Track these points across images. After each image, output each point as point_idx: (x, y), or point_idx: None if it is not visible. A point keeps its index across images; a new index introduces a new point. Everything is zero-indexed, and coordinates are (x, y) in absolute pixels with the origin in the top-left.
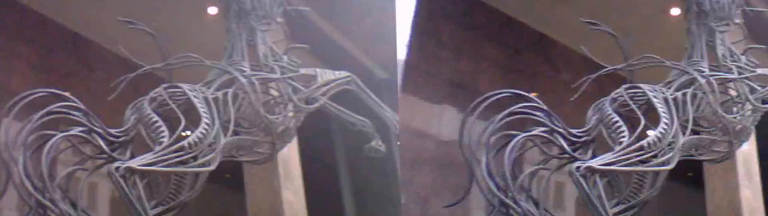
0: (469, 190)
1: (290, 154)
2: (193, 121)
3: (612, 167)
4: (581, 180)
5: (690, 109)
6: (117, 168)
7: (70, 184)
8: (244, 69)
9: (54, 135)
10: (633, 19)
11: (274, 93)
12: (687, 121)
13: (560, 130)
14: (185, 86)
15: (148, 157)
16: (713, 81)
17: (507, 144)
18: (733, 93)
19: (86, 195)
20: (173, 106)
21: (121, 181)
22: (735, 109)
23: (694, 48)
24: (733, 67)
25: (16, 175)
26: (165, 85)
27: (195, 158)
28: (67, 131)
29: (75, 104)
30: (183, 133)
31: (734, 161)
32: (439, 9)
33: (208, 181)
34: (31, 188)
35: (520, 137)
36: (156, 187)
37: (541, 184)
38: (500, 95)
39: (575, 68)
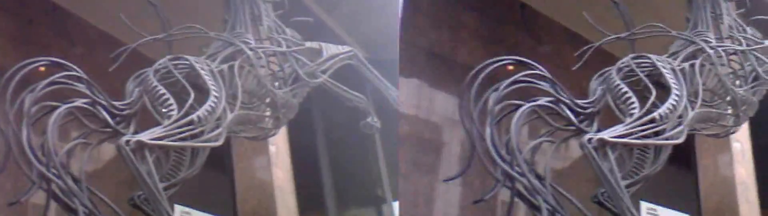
0: (470, 163)
1: (279, 131)
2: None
3: (625, 140)
4: (593, 152)
5: (699, 80)
6: (127, 142)
7: (71, 159)
8: (250, 41)
9: (56, 106)
10: None
11: (275, 67)
12: (696, 93)
13: (566, 100)
14: (191, 58)
15: (157, 131)
16: (722, 52)
17: (507, 114)
18: (735, 66)
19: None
20: (180, 77)
21: (132, 155)
22: (738, 82)
23: (697, 18)
24: (740, 38)
25: (17, 148)
26: (170, 57)
27: (203, 133)
28: (71, 102)
29: (78, 74)
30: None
31: (728, 137)
32: None
33: None
34: (35, 162)
35: (526, 107)
36: (156, 162)
37: (545, 157)
38: (503, 62)
39: (557, 40)
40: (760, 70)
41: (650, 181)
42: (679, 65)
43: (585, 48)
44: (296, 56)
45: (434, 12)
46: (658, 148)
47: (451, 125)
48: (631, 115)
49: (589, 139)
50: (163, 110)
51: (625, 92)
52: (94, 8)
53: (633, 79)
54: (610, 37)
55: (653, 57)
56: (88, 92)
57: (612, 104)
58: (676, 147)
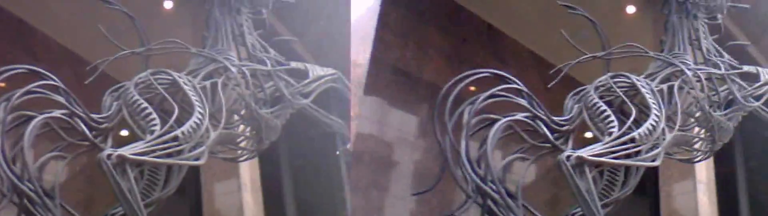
0: (441, 177)
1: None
2: (168, 111)
3: (603, 159)
4: (572, 171)
5: (678, 103)
6: (108, 156)
7: (42, 172)
8: (233, 59)
9: (32, 116)
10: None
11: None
12: (674, 115)
13: (543, 116)
14: (174, 73)
15: (139, 146)
16: (701, 75)
17: (482, 128)
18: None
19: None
20: (163, 92)
21: (113, 170)
22: (710, 108)
23: (675, 40)
24: (719, 62)
25: None
26: (151, 71)
27: (184, 151)
28: (49, 113)
29: (56, 84)
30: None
31: (692, 164)
32: None
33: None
34: (10, 174)
35: (503, 121)
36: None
37: (515, 173)
38: (479, 75)
39: (522, 62)
40: (738, 95)
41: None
42: (657, 86)
43: (562, 65)
44: (282, 76)
45: (402, 29)
46: (627, 171)
47: (405, 143)
48: (610, 134)
49: (568, 157)
50: (146, 125)
51: (604, 110)
52: (62, 25)
53: (609, 98)
54: (586, 56)
55: (632, 77)
56: (65, 103)
57: (589, 122)
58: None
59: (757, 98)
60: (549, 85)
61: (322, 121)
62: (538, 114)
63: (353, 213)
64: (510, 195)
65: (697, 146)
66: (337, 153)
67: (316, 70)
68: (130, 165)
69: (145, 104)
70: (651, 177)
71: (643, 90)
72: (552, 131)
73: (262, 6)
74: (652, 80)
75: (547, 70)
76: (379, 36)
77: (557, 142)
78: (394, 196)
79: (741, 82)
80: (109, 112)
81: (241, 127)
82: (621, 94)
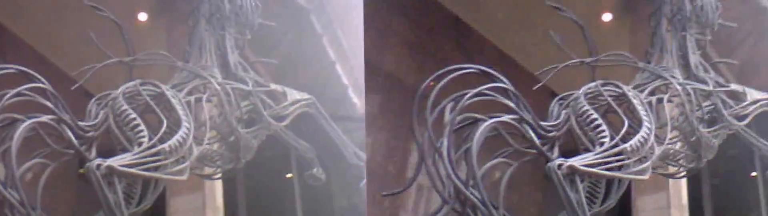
0: (415, 179)
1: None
2: (150, 122)
3: (594, 170)
4: (563, 180)
5: (667, 116)
6: (98, 166)
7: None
8: (217, 76)
9: (19, 119)
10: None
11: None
12: (662, 128)
13: (530, 120)
14: (163, 86)
15: (127, 158)
16: (692, 91)
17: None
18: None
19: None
20: (152, 104)
21: (101, 180)
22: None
23: (663, 53)
24: (707, 79)
25: None
26: (139, 81)
27: (169, 165)
28: (36, 117)
29: (46, 87)
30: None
31: (665, 180)
32: None
33: None
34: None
35: (488, 123)
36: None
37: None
38: (464, 71)
39: (488, 60)
40: (725, 112)
41: None
42: (646, 98)
43: (547, 68)
44: (262, 97)
45: (365, 16)
46: (609, 184)
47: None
48: (601, 144)
49: (559, 166)
50: (133, 136)
51: (595, 119)
52: (37, 29)
53: (594, 105)
54: (573, 61)
55: (623, 86)
56: (53, 108)
57: (577, 130)
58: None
59: (742, 118)
60: (534, 88)
61: (292, 145)
62: (526, 117)
63: None
64: (489, 203)
65: (681, 162)
66: (290, 175)
67: (293, 94)
68: (118, 177)
69: (134, 115)
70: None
71: (634, 101)
72: (538, 136)
73: (247, 27)
74: (640, 92)
75: (513, 68)
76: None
77: (543, 149)
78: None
79: (727, 100)
80: (96, 121)
81: (217, 144)
82: (612, 103)
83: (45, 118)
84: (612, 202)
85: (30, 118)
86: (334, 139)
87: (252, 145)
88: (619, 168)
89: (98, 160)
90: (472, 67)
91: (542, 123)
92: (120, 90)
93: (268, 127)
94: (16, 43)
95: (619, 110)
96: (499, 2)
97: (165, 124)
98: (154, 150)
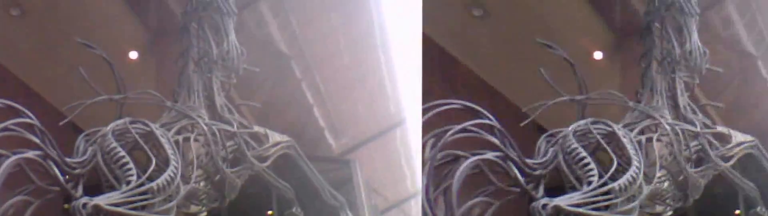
0: None
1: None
2: (138, 160)
3: (581, 210)
4: None
5: (656, 155)
6: (84, 205)
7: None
8: (204, 117)
9: (3, 154)
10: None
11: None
12: (651, 167)
13: (515, 158)
14: (152, 124)
15: (115, 197)
16: (680, 131)
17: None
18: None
19: None
20: (142, 142)
21: None
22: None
23: (653, 94)
24: (695, 120)
25: None
26: (129, 120)
27: (156, 204)
28: (22, 153)
29: (32, 122)
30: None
31: None
32: None
33: None
34: None
35: (471, 160)
36: None
37: None
38: (447, 106)
39: (473, 92)
40: (712, 153)
41: None
42: (636, 137)
43: (537, 104)
44: (246, 138)
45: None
46: None
47: None
48: (589, 183)
49: (544, 205)
50: (122, 174)
51: (584, 157)
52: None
53: (582, 143)
54: (563, 98)
55: (613, 125)
56: (40, 143)
57: (564, 168)
58: None
59: (728, 159)
60: (522, 124)
61: (272, 184)
62: (510, 154)
63: None
64: None
65: (668, 201)
66: (270, 213)
67: (274, 136)
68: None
69: (123, 153)
70: None
71: (623, 140)
72: (523, 174)
73: (233, 71)
74: (630, 131)
75: (500, 102)
76: None
77: (528, 187)
78: None
79: (714, 141)
80: (84, 158)
81: (203, 183)
82: (602, 141)
83: (31, 154)
84: None
85: (15, 153)
86: (311, 179)
87: (236, 184)
88: (607, 207)
89: (84, 199)
90: (456, 103)
91: (528, 160)
92: (109, 127)
93: (252, 168)
94: (5, 77)
95: (609, 148)
96: (488, 36)
97: (154, 163)
98: (142, 188)
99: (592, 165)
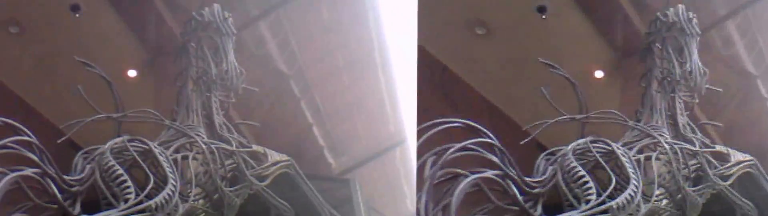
0: None
1: None
2: (136, 178)
3: None
4: None
5: (655, 173)
6: None
7: None
8: (202, 136)
9: (1, 172)
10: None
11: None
12: (649, 186)
13: (514, 176)
14: (150, 143)
15: (112, 214)
16: (679, 150)
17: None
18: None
19: None
20: (140, 160)
21: None
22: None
23: (653, 113)
24: (694, 139)
25: None
26: (127, 138)
27: None
28: (20, 170)
29: (30, 140)
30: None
31: None
32: None
33: None
34: None
35: (470, 178)
36: None
37: None
38: (448, 125)
39: (473, 109)
40: (710, 172)
41: None
42: (634, 156)
43: (536, 123)
44: (245, 157)
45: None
46: None
47: None
48: (587, 201)
49: None
50: (120, 192)
51: (582, 176)
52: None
53: (581, 162)
54: (564, 117)
55: (612, 143)
56: (38, 161)
57: (563, 186)
58: None
59: (726, 178)
60: (522, 143)
61: (272, 203)
62: (510, 173)
63: None
64: None
65: None
66: None
67: (273, 155)
68: None
69: (121, 171)
70: None
71: (622, 158)
72: (522, 192)
73: (232, 90)
74: (629, 149)
75: (500, 120)
76: None
77: (526, 205)
78: None
79: (712, 160)
80: (82, 175)
81: (201, 201)
82: (600, 159)
83: (29, 172)
84: None
85: (13, 171)
86: (310, 199)
87: (235, 203)
88: None
89: None
90: (457, 121)
91: (527, 179)
92: (108, 145)
93: (251, 186)
94: (3, 95)
95: (607, 167)
96: (491, 54)
97: (152, 181)
98: (140, 206)
99: (591, 183)
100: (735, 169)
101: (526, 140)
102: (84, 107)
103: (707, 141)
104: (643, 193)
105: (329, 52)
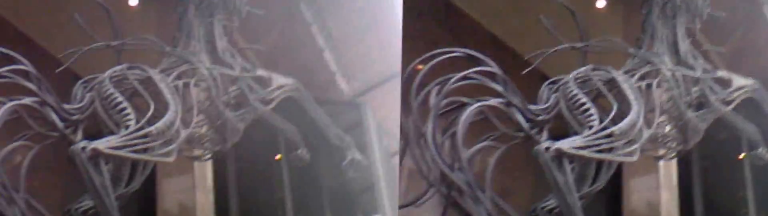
0: (400, 163)
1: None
2: (137, 106)
3: (582, 152)
4: (550, 162)
5: (656, 101)
6: (83, 148)
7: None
8: (204, 62)
9: (1, 102)
10: (554, 4)
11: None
12: (651, 112)
13: (517, 103)
14: (150, 70)
15: (114, 140)
16: (680, 76)
17: (448, 111)
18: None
19: None
20: (140, 88)
21: (87, 163)
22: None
23: (654, 40)
24: (696, 65)
25: None
26: (127, 66)
27: (156, 147)
28: (18, 99)
29: (27, 69)
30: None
31: (656, 161)
32: None
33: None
34: None
35: (475, 106)
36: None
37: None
38: (451, 55)
39: (480, 43)
40: (713, 98)
41: None
42: (636, 82)
43: (537, 53)
44: (249, 82)
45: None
46: (599, 165)
47: None
48: (590, 127)
49: (547, 148)
50: (120, 119)
51: (584, 103)
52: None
53: (585, 90)
54: (564, 46)
55: (613, 71)
56: (36, 90)
57: (566, 113)
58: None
59: (728, 103)
60: (523, 72)
61: (276, 126)
62: (513, 100)
63: None
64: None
65: (669, 144)
66: (278, 157)
67: (278, 79)
68: (104, 159)
69: (121, 98)
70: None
71: (624, 85)
72: (527, 120)
73: (235, 14)
74: (631, 77)
75: (506, 53)
76: None
77: (532, 132)
78: None
79: (715, 86)
80: (81, 104)
81: (205, 127)
82: (602, 87)
83: (27, 101)
84: (601, 183)
85: (11, 100)
86: (318, 121)
87: (238, 127)
88: (609, 150)
89: (83, 143)
90: (459, 51)
91: (531, 107)
92: (107, 74)
93: (255, 111)
94: (1, 25)
95: (609, 94)
96: None
97: (152, 108)
98: (141, 132)
99: (593, 110)
100: (736, 94)
101: (527, 70)
102: (84, 37)
103: (709, 67)
104: (646, 119)
105: None
